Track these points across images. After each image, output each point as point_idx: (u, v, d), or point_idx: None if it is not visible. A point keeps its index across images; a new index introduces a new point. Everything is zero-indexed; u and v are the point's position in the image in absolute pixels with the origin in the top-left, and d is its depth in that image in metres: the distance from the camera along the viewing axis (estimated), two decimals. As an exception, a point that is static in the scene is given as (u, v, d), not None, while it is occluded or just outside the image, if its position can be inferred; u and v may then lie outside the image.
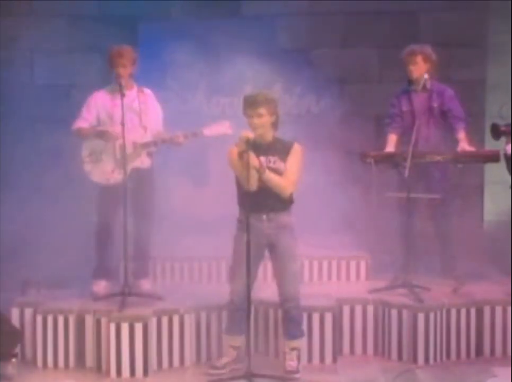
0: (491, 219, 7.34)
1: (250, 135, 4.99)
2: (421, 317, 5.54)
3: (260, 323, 5.71)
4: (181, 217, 7.12)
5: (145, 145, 5.87)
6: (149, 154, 5.95)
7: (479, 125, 7.10)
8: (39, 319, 5.57)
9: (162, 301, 5.71)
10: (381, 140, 6.37)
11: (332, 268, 6.56)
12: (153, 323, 5.46)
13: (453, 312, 5.69)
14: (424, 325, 5.54)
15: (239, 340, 5.32)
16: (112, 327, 5.36)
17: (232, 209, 5.25)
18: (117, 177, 5.83)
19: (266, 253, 5.33)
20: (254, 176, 5.00)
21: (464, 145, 5.97)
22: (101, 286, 5.94)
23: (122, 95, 5.62)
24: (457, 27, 7.33)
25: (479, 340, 5.72)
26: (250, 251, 4.96)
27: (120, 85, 5.66)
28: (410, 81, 6.18)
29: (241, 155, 4.97)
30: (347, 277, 6.55)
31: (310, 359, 5.57)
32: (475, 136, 6.44)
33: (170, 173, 7.00)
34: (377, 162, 5.96)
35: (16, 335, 5.43)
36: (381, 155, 6.05)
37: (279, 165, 5.14)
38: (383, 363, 5.60)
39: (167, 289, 6.14)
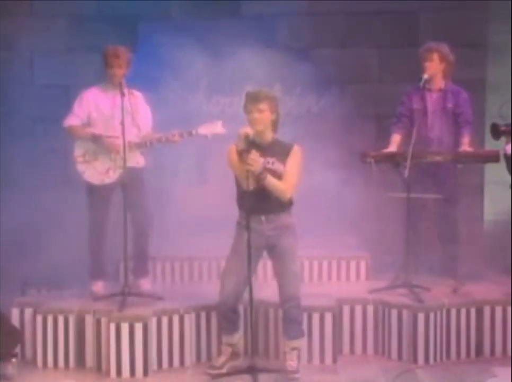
0: (491, 219, 7.34)
1: (250, 131, 4.98)
2: (421, 317, 5.54)
3: (260, 323, 5.71)
4: (181, 217, 7.12)
5: (139, 145, 5.85)
6: (142, 154, 5.94)
7: (479, 125, 7.09)
8: (39, 319, 5.57)
9: (162, 301, 5.72)
10: (381, 140, 6.37)
11: (332, 268, 6.56)
12: (153, 323, 5.46)
13: (453, 312, 5.69)
14: (424, 325, 5.54)
15: (233, 338, 5.35)
16: (112, 327, 5.37)
17: (233, 209, 5.25)
18: (112, 177, 5.83)
19: (265, 253, 5.34)
20: (253, 175, 4.99)
21: (466, 148, 5.99)
22: (99, 286, 5.95)
23: (122, 95, 5.62)
24: (457, 27, 7.32)
25: (479, 340, 5.72)
26: (244, 256, 4.95)
27: (120, 85, 5.66)
28: (420, 78, 6.13)
29: (241, 153, 4.96)
30: (347, 277, 6.55)
31: (310, 359, 5.57)
32: (475, 136, 6.44)
33: (170, 172, 7.00)
34: (377, 162, 5.96)
35: (16, 335, 5.43)
36: (381, 155, 6.04)
37: (278, 166, 5.12)
38: (383, 363, 5.60)
39: (167, 289, 6.14)
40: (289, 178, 5.12)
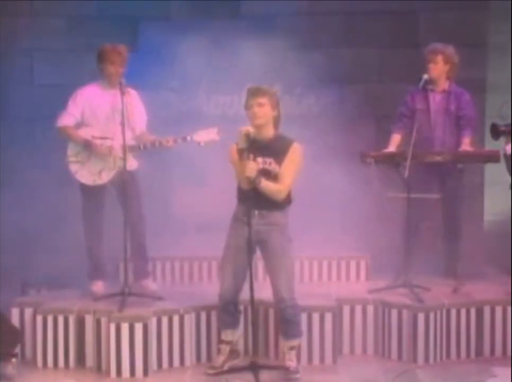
0: (491, 219, 7.34)
1: (251, 129, 4.98)
2: (421, 317, 5.54)
3: (260, 323, 5.70)
4: (181, 217, 7.12)
5: (133, 148, 5.82)
6: (135, 157, 5.91)
7: (479, 125, 7.09)
8: (39, 319, 5.57)
9: (162, 301, 5.72)
10: (381, 140, 6.37)
11: (332, 268, 6.56)
12: (153, 323, 5.46)
13: (453, 312, 5.69)
14: (424, 325, 5.54)
15: (232, 335, 5.35)
16: (112, 327, 5.37)
17: (233, 208, 5.25)
18: (103, 178, 5.83)
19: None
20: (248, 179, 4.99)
21: (466, 148, 5.98)
22: (99, 286, 5.95)
23: (122, 94, 5.61)
24: (457, 27, 7.32)
25: (479, 340, 5.72)
26: (241, 247, 4.97)
27: (121, 84, 5.65)
28: (420, 78, 6.13)
29: (241, 152, 4.96)
30: (347, 277, 6.55)
31: (310, 359, 5.57)
32: (475, 136, 6.44)
33: (170, 173, 7.01)
34: (377, 162, 5.96)
35: (16, 335, 5.43)
36: (381, 155, 6.04)
37: (274, 167, 5.11)
38: (383, 363, 5.60)
39: (167, 289, 6.14)
40: (283, 178, 5.10)
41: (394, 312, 5.64)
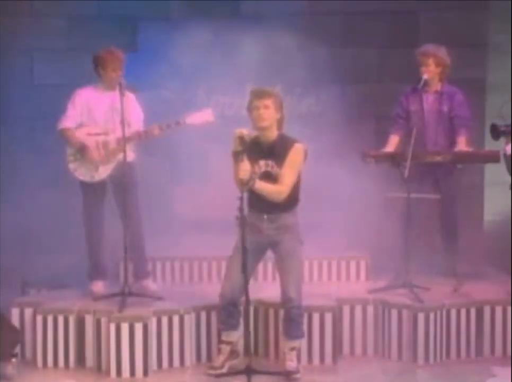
0: (491, 219, 7.34)
1: (245, 131, 4.97)
2: (421, 317, 5.54)
3: (260, 323, 5.70)
4: (181, 217, 7.13)
5: (130, 139, 5.76)
6: (133, 149, 5.90)
7: (479, 125, 7.09)
8: (39, 319, 5.57)
9: (162, 301, 5.72)
10: (381, 140, 6.37)
11: (332, 268, 6.56)
12: (153, 323, 5.46)
13: (453, 312, 5.69)
14: (424, 325, 5.54)
15: (233, 336, 5.35)
16: (112, 327, 5.37)
17: (234, 209, 5.24)
18: (102, 174, 5.83)
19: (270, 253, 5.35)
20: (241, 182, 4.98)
21: (462, 147, 5.98)
22: (99, 286, 5.95)
23: (122, 95, 5.61)
24: (457, 27, 7.33)
25: (479, 340, 5.72)
26: (249, 250, 4.96)
27: (121, 85, 5.65)
28: (419, 80, 6.15)
29: (236, 155, 4.95)
30: (347, 277, 6.55)
31: (310, 359, 5.57)
32: (475, 136, 6.44)
33: (170, 172, 7.01)
34: (377, 162, 5.96)
35: (16, 335, 5.43)
36: (381, 155, 6.05)
37: (276, 170, 5.12)
38: (383, 363, 5.60)
39: (167, 289, 6.14)
40: (283, 179, 5.10)
41: (394, 312, 5.64)
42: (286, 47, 7.29)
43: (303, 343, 5.53)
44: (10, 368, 5.21)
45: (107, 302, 5.64)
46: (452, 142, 6.17)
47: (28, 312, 5.67)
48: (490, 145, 6.19)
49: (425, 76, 6.05)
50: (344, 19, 7.46)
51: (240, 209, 4.84)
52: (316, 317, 5.58)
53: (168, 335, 5.52)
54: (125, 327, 5.37)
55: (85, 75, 6.23)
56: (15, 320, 5.64)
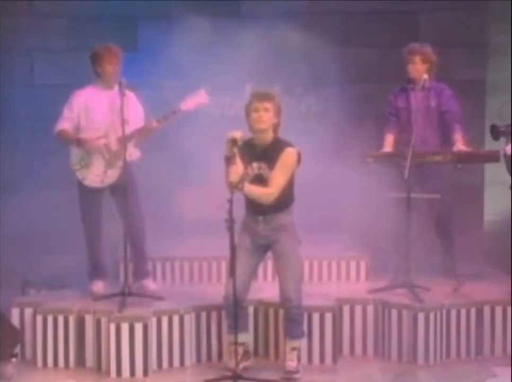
0: (491, 219, 7.34)
1: (238, 135, 4.97)
2: (421, 317, 5.54)
3: (260, 323, 5.70)
4: (181, 217, 7.13)
5: (130, 137, 5.75)
6: (136, 147, 5.90)
7: (479, 125, 7.09)
8: (39, 319, 5.57)
9: (162, 301, 5.72)
10: (381, 140, 6.37)
11: (332, 268, 6.56)
12: (153, 323, 5.46)
13: (453, 312, 5.69)
14: (424, 325, 5.54)
15: (243, 337, 5.34)
16: (112, 327, 5.37)
17: (234, 208, 5.26)
18: (110, 177, 5.82)
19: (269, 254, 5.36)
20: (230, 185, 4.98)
21: (459, 146, 5.97)
22: (99, 286, 5.95)
23: (123, 95, 5.60)
24: (457, 27, 7.33)
25: (479, 340, 5.72)
26: (248, 251, 5.01)
27: (121, 84, 5.65)
28: (409, 79, 6.19)
29: (228, 158, 4.96)
30: (347, 277, 6.55)
31: (310, 359, 5.57)
32: (475, 136, 6.44)
33: (170, 172, 7.01)
34: (377, 162, 5.97)
35: (16, 335, 5.43)
36: (381, 155, 6.05)
37: (268, 172, 5.14)
38: (383, 363, 5.60)
39: (167, 289, 6.14)
40: (272, 182, 5.11)
41: (394, 312, 5.64)
42: (286, 47, 7.31)
43: (303, 343, 5.53)
44: (10, 368, 5.22)
45: (107, 302, 5.64)
46: (445, 140, 6.16)
47: (28, 312, 5.67)
48: (490, 145, 6.20)
49: (425, 76, 6.05)
50: (344, 19, 7.47)
51: (230, 212, 4.86)
52: (316, 317, 5.58)
53: (168, 335, 5.52)
54: (125, 327, 5.37)
55: (85, 75, 6.22)
56: (15, 320, 5.64)
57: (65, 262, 6.32)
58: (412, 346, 5.56)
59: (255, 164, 5.14)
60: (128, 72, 5.93)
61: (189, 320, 5.58)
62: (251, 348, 5.48)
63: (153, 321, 5.47)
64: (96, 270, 6.00)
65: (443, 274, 6.26)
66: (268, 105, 5.10)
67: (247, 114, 5.17)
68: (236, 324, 5.22)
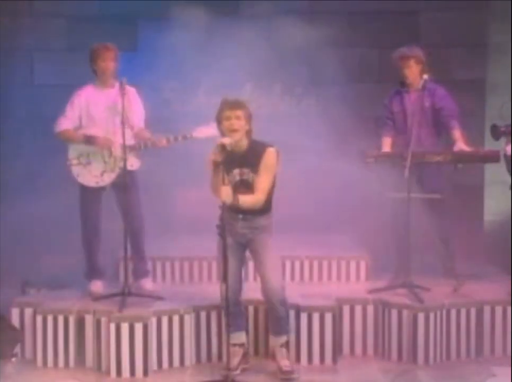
0: (491, 219, 7.34)
1: (227, 141, 4.97)
2: (421, 317, 5.54)
3: (260, 324, 5.69)
4: (181, 217, 7.12)
5: (133, 147, 5.81)
6: (137, 156, 5.91)
7: (479, 125, 7.09)
8: (39, 319, 5.57)
9: (162, 301, 5.72)
10: (380, 140, 6.37)
11: (332, 268, 6.55)
12: (153, 323, 5.46)
13: (453, 312, 5.69)
14: (424, 325, 5.54)
15: (243, 337, 5.36)
16: (112, 327, 5.37)
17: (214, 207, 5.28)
18: (105, 180, 5.83)
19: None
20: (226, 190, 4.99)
21: (461, 145, 5.96)
22: (98, 286, 5.95)
23: (123, 95, 5.60)
24: (457, 27, 7.33)
25: (479, 340, 5.72)
26: (231, 250, 5.00)
27: (121, 84, 5.64)
28: (403, 83, 6.20)
29: (216, 165, 4.96)
30: (347, 277, 6.54)
31: (310, 359, 5.57)
32: (475, 136, 6.43)
33: (170, 172, 7.00)
34: (377, 162, 5.96)
35: (16, 335, 5.43)
36: (381, 155, 6.05)
37: (251, 177, 5.14)
38: (383, 363, 5.59)
39: (167, 289, 6.14)
40: (259, 186, 5.12)
41: (394, 312, 5.63)
42: (286, 47, 7.30)
43: (303, 342, 5.54)
44: (10, 368, 5.22)
45: (107, 302, 5.64)
46: (440, 139, 6.15)
47: (28, 312, 5.67)
48: (490, 145, 6.20)
49: (425, 76, 6.05)
50: (344, 19, 7.46)
51: (221, 218, 4.89)
52: (316, 317, 5.58)
53: (168, 335, 5.52)
54: (125, 327, 5.37)
55: (85, 75, 6.22)
56: (15, 320, 5.64)
57: (65, 262, 6.31)
58: (412, 346, 5.56)
59: (236, 171, 5.15)
60: (127, 72, 5.94)
61: (189, 320, 5.58)
62: (250, 349, 5.48)
63: (153, 321, 5.47)
64: (93, 270, 6.00)
65: (443, 274, 6.26)
66: (239, 113, 5.09)
67: (219, 122, 5.16)
68: (235, 324, 5.24)
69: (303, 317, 5.56)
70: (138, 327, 5.37)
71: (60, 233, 6.65)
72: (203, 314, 5.64)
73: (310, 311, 5.56)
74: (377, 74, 7.59)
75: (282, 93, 7.68)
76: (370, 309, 5.75)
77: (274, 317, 5.27)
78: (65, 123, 5.89)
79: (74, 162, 5.87)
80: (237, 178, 5.16)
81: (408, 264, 5.81)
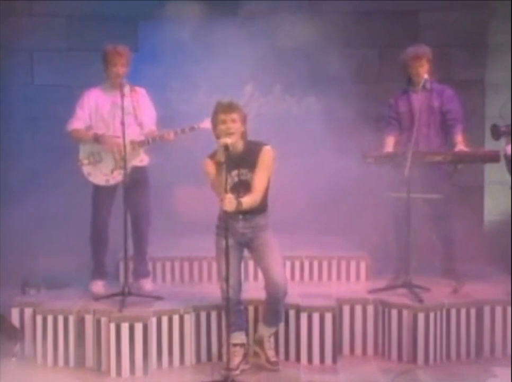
0: (491, 219, 7.34)
1: (229, 141, 4.99)
2: (421, 317, 5.54)
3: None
4: (181, 217, 7.12)
5: (142, 143, 5.88)
6: (147, 152, 5.97)
7: (479, 125, 7.09)
8: (39, 319, 5.57)
9: (162, 301, 5.72)
10: (381, 140, 6.37)
11: (332, 268, 6.56)
12: (153, 323, 5.47)
13: (453, 312, 5.69)
14: (424, 325, 5.54)
15: (243, 337, 5.38)
16: (112, 327, 5.37)
17: (209, 207, 5.29)
18: (117, 178, 5.85)
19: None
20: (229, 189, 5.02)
21: (461, 147, 5.97)
22: (99, 286, 5.95)
23: (122, 95, 5.62)
24: (457, 27, 7.33)
25: (479, 340, 5.72)
26: (231, 251, 5.02)
27: (121, 85, 5.67)
28: (410, 82, 6.18)
29: (219, 165, 5.00)
30: (347, 277, 6.55)
31: (310, 359, 5.57)
32: (475, 136, 6.43)
33: (171, 172, 7.01)
34: (377, 162, 5.96)
35: (16, 335, 5.43)
36: (381, 155, 6.04)
37: (250, 177, 5.16)
38: (383, 363, 5.59)
39: (167, 289, 6.14)
40: (256, 185, 5.14)
41: (394, 312, 5.63)
42: (286, 47, 7.30)
43: (303, 342, 5.54)
44: (10, 367, 5.21)
45: (107, 302, 5.64)
46: (447, 139, 6.16)
47: (28, 312, 5.67)
48: (490, 145, 6.20)
49: (426, 76, 6.05)
50: (344, 19, 7.46)
51: (225, 219, 4.94)
52: (316, 317, 5.58)
53: (168, 335, 5.52)
54: (125, 327, 5.37)
55: (85, 75, 6.24)
56: (15, 320, 5.64)
57: (66, 262, 6.31)
58: (412, 346, 5.56)
59: (233, 173, 5.16)
60: (128, 72, 5.94)
61: (189, 320, 5.58)
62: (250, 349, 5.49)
63: (153, 321, 5.47)
64: (97, 270, 6.01)
65: (443, 274, 6.26)
66: (235, 115, 5.10)
67: (214, 125, 5.16)
68: (237, 324, 5.25)
69: (303, 317, 5.56)
70: (138, 327, 5.37)
71: (60, 233, 6.66)
72: (203, 314, 5.64)
73: (310, 311, 5.56)
74: (377, 74, 7.59)
75: (282, 93, 7.68)
76: (370, 309, 5.75)
77: (273, 310, 5.31)
78: (76, 123, 5.93)
79: (85, 162, 5.91)
80: (236, 179, 5.17)
81: (408, 264, 5.81)
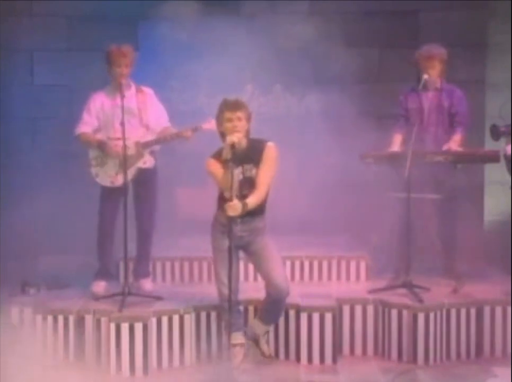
0: (491, 219, 7.34)
1: (236, 139, 5.00)
2: (421, 317, 5.54)
3: (260, 324, 5.70)
4: (181, 217, 7.12)
5: (147, 144, 5.89)
6: (152, 153, 5.97)
7: (479, 125, 7.09)
8: (39, 318, 5.57)
9: (162, 301, 5.72)
10: (381, 140, 6.37)
11: (332, 268, 6.55)
12: (153, 323, 5.47)
13: (453, 312, 5.69)
14: (424, 325, 5.54)
15: (243, 337, 5.39)
16: (112, 327, 5.37)
17: (206, 207, 5.29)
18: (120, 180, 5.85)
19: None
20: (235, 186, 5.03)
21: (452, 145, 5.97)
22: (101, 286, 5.95)
23: (122, 96, 5.62)
24: (457, 27, 7.33)
25: (479, 340, 5.72)
26: (228, 253, 5.00)
27: (120, 85, 5.66)
28: (419, 80, 6.16)
29: (226, 162, 5.00)
30: (347, 277, 6.55)
31: (310, 359, 5.57)
32: (475, 136, 6.43)
33: (171, 172, 7.00)
34: (377, 162, 5.96)
35: (16, 334, 5.43)
36: (381, 155, 6.05)
37: (254, 173, 5.17)
38: (383, 363, 5.60)
39: (167, 289, 6.14)
40: (260, 181, 5.15)
41: (394, 312, 5.64)
42: (286, 47, 7.30)
43: (303, 342, 5.54)
44: (10, 366, 5.20)
45: (107, 302, 5.64)
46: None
47: (27, 311, 5.67)
48: (490, 145, 6.19)
49: (426, 76, 6.05)
50: (345, 19, 7.45)
51: (228, 222, 4.96)
52: (316, 317, 5.58)
53: (168, 335, 5.52)
54: (125, 327, 5.37)
55: (84, 75, 6.24)
56: (15, 320, 5.64)
57: (65, 262, 6.31)
58: (412, 346, 5.56)
59: (238, 170, 5.16)
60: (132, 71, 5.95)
61: (189, 320, 5.59)
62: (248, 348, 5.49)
63: (153, 321, 5.47)
64: (100, 270, 6.00)
65: (443, 274, 6.26)
66: (240, 113, 5.11)
67: (219, 123, 5.17)
68: (236, 324, 5.25)
69: (303, 317, 5.57)
70: (138, 327, 5.37)
71: (60, 233, 6.65)
72: (203, 314, 5.64)
73: (310, 311, 5.57)
74: (377, 74, 7.59)
75: (282, 92, 7.67)
76: (370, 309, 5.75)
77: (274, 309, 5.32)
78: (84, 127, 5.94)
79: (94, 162, 5.93)
80: (240, 176, 5.17)
81: (408, 264, 5.81)
